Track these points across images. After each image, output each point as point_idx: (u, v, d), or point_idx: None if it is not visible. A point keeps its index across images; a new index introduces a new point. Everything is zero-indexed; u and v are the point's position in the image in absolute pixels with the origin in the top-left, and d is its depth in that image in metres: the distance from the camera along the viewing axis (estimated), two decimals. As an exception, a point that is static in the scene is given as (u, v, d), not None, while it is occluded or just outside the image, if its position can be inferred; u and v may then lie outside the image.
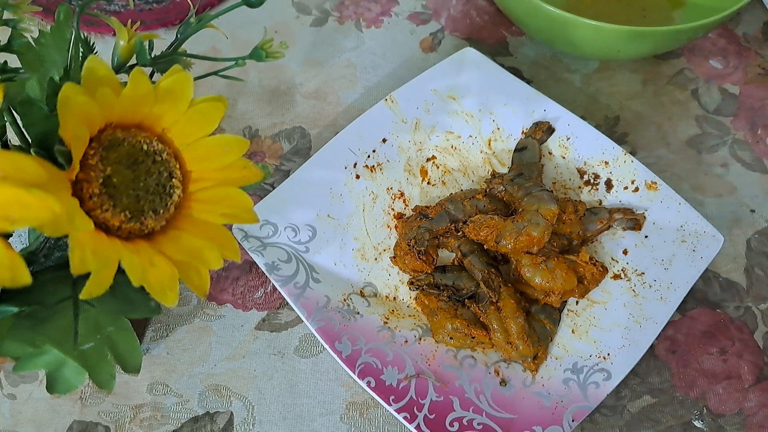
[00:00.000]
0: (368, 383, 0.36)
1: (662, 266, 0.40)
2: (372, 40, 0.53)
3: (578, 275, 0.39)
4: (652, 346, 0.40)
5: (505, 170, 0.45)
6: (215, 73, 0.29)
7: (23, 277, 0.19)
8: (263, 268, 0.38)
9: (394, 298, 0.41)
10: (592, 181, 0.44)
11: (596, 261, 0.40)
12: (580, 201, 0.43)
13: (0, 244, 0.18)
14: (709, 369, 0.40)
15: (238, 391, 0.39)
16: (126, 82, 0.22)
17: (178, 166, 0.25)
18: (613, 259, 0.41)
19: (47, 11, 0.51)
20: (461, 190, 0.45)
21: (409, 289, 0.41)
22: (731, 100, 0.51)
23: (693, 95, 0.51)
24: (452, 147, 0.46)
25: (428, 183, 0.45)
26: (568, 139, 0.44)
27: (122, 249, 0.22)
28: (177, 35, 0.29)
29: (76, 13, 0.27)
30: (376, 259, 0.42)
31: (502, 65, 0.48)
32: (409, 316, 0.40)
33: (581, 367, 0.37)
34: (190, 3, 0.32)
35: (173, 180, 0.24)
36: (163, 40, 0.51)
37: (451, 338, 0.38)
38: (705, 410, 0.39)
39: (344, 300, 0.39)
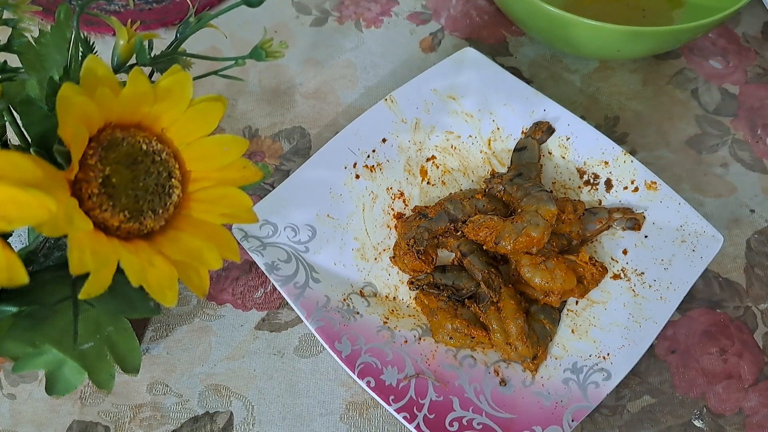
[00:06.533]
0: (368, 383, 0.36)
1: (662, 266, 0.40)
2: (372, 40, 0.53)
3: (578, 275, 0.39)
4: (651, 346, 0.40)
5: (504, 170, 0.45)
6: (215, 72, 0.29)
7: (20, 276, 0.19)
8: (263, 268, 0.38)
9: (394, 298, 0.41)
10: (591, 181, 0.44)
11: (596, 261, 0.40)
12: (579, 200, 0.43)
13: (-2, 244, 0.18)
14: (709, 369, 0.40)
15: (237, 390, 0.39)
16: (125, 82, 0.22)
17: (177, 165, 0.25)
18: (612, 259, 0.41)
19: (47, 11, 0.51)
20: (461, 190, 0.45)
21: (409, 288, 0.41)
22: (731, 100, 0.51)
23: (693, 95, 0.51)
24: (452, 147, 0.46)
25: (428, 183, 0.45)
26: (568, 139, 0.44)
27: (121, 249, 0.22)
28: (177, 35, 0.29)
29: (76, 12, 0.27)
30: (375, 259, 0.42)
31: (502, 65, 0.48)
32: (409, 316, 0.40)
33: (581, 367, 0.37)
34: (189, 3, 0.32)
35: (172, 180, 0.24)
36: (162, 39, 0.51)
37: (450, 338, 0.38)
38: (705, 410, 0.39)
39: (344, 300, 0.39)
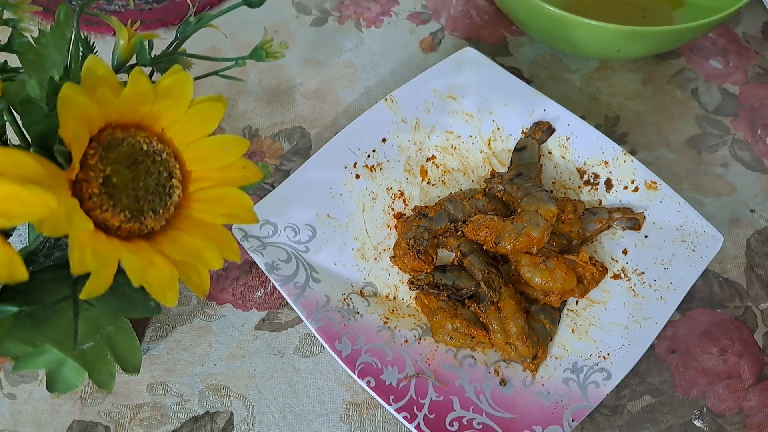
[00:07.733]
0: (368, 383, 0.36)
1: (662, 266, 0.40)
2: (372, 40, 0.53)
3: (578, 275, 0.39)
4: (652, 346, 0.40)
5: (504, 170, 0.45)
6: (215, 73, 0.30)
7: (20, 273, 0.19)
8: (263, 268, 0.38)
9: (394, 297, 0.41)
10: (591, 180, 0.44)
11: (596, 261, 0.40)
12: (579, 200, 0.43)
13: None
14: (709, 369, 0.40)
15: (238, 390, 0.39)
16: (126, 82, 0.22)
17: (177, 165, 0.25)
18: (612, 258, 0.41)
19: (47, 11, 0.51)
20: (461, 190, 0.45)
21: (409, 288, 0.41)
22: (731, 100, 0.51)
23: (693, 95, 0.51)
24: (452, 147, 0.46)
25: (428, 183, 0.45)
26: (568, 138, 0.44)
27: (122, 249, 0.22)
28: (177, 35, 0.29)
29: (76, 12, 0.27)
30: (375, 258, 0.42)
31: (502, 65, 0.48)
32: (409, 315, 0.40)
33: (581, 367, 0.37)
34: (189, 3, 0.32)
35: (173, 180, 0.24)
36: (163, 39, 0.51)
37: (451, 338, 0.38)
38: (705, 410, 0.39)
39: (344, 300, 0.39)
